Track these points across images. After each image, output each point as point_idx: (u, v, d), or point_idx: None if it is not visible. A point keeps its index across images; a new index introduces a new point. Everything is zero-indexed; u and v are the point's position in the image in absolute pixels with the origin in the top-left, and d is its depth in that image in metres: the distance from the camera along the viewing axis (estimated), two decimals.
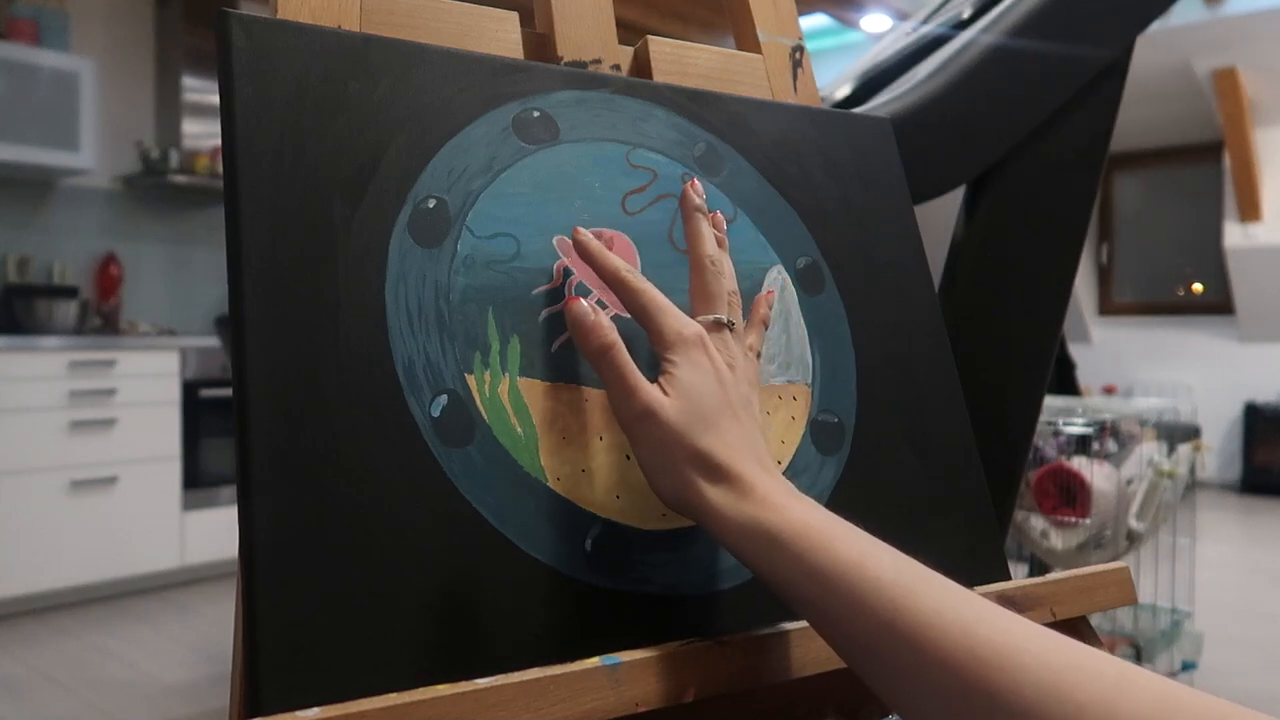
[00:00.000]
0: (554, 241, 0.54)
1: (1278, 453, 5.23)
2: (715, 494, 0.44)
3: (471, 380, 0.49)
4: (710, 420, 0.46)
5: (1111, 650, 2.18)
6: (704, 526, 0.46)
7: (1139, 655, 2.21)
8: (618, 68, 0.65)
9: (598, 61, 0.64)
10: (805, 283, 0.63)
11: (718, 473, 0.45)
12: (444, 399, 0.48)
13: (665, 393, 0.46)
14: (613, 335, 0.47)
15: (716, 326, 0.50)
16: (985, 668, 0.36)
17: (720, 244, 0.54)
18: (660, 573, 0.51)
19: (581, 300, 0.48)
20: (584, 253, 0.51)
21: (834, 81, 1.44)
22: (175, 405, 3.45)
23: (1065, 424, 2.14)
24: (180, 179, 3.84)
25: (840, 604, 0.40)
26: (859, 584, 0.40)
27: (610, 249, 0.55)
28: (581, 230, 0.52)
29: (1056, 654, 0.36)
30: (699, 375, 0.47)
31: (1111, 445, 2.22)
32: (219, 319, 4.05)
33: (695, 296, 0.52)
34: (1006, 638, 0.37)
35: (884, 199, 0.69)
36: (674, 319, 0.48)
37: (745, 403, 0.48)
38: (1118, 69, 1.05)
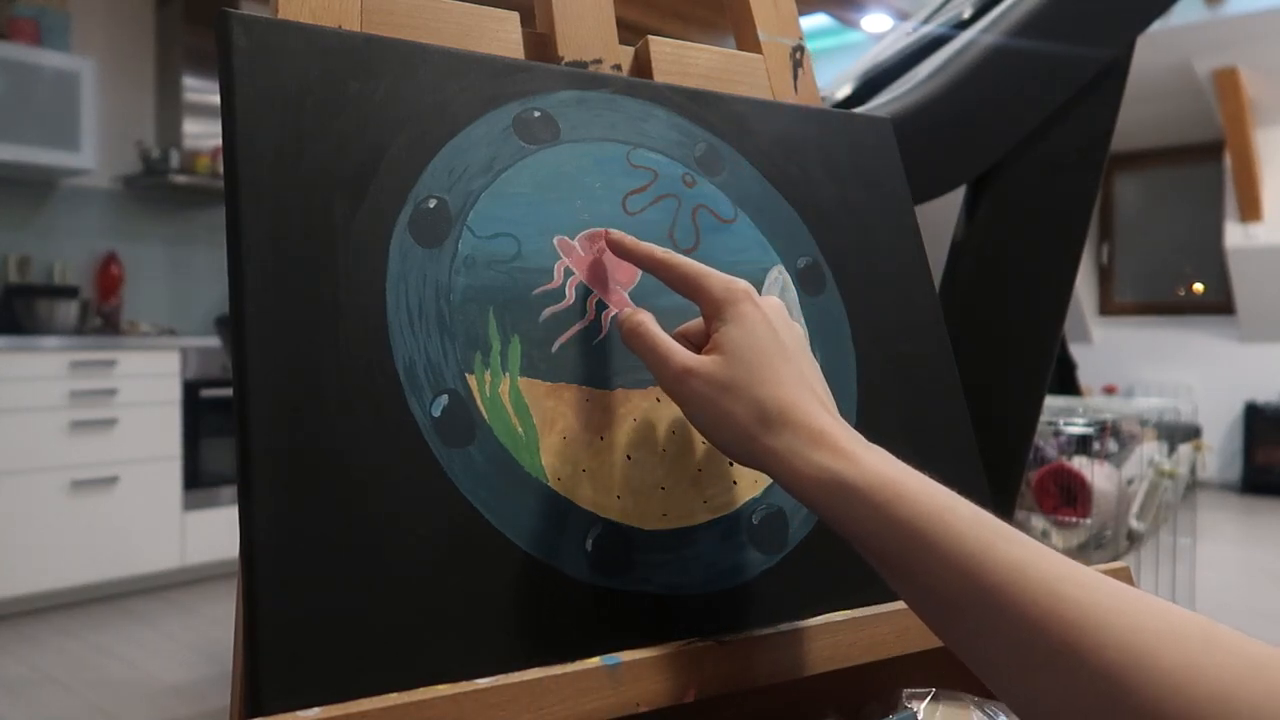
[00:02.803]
0: (555, 241, 0.54)
1: (1278, 453, 5.23)
2: (780, 442, 0.43)
3: (472, 380, 0.49)
4: (766, 368, 0.45)
5: None
6: (773, 476, 0.44)
7: None
8: (618, 68, 0.65)
9: (598, 61, 0.64)
10: (806, 283, 0.63)
11: (780, 419, 0.44)
12: (445, 399, 0.48)
13: (711, 355, 0.46)
14: (641, 315, 0.49)
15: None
16: (1068, 627, 0.35)
17: None
18: (661, 573, 0.51)
19: (624, 305, 0.52)
20: (620, 249, 0.53)
21: (834, 81, 1.44)
22: (176, 405, 3.45)
23: (1066, 424, 2.14)
24: (181, 179, 3.84)
25: (919, 558, 0.39)
26: (938, 537, 0.39)
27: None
28: (613, 230, 0.54)
29: (1142, 615, 0.35)
30: (750, 327, 0.46)
31: (1112, 445, 2.22)
32: (219, 319, 4.05)
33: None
34: (1091, 595, 0.36)
35: (884, 199, 0.69)
36: (719, 279, 0.48)
37: (801, 346, 0.48)
38: (1118, 69, 1.05)
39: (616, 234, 0.53)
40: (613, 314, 0.55)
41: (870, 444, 0.44)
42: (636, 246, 0.52)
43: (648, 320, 0.49)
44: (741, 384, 0.45)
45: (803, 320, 0.62)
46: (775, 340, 0.46)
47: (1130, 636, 0.34)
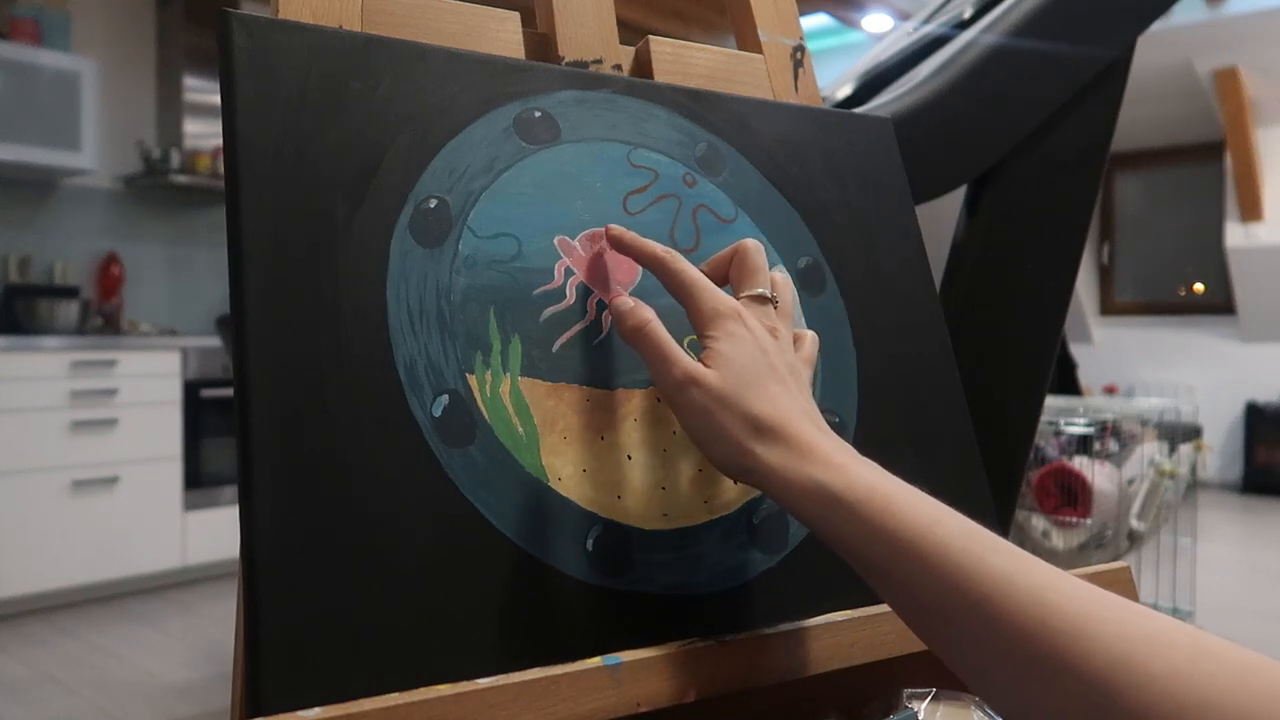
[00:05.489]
0: (555, 242, 0.54)
1: (1279, 453, 5.23)
2: (772, 455, 0.44)
3: (473, 380, 0.49)
4: (756, 385, 0.46)
5: None
6: (764, 490, 0.45)
7: None
8: (619, 68, 0.65)
9: (599, 61, 0.64)
10: (806, 283, 0.63)
11: (771, 434, 0.44)
12: (445, 399, 0.48)
13: (708, 364, 0.46)
14: (646, 313, 0.49)
15: (759, 300, 0.51)
16: (1056, 636, 0.35)
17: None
18: (661, 573, 0.51)
19: (622, 295, 0.51)
20: (620, 244, 0.53)
21: (835, 81, 1.45)
22: (176, 405, 3.45)
23: (1066, 424, 2.14)
24: (181, 179, 3.84)
25: (908, 569, 0.40)
26: (927, 548, 0.39)
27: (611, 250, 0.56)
28: (613, 225, 0.54)
29: (1129, 623, 0.35)
30: (739, 346, 0.47)
31: (1113, 445, 2.22)
32: (220, 319, 4.05)
33: (736, 274, 0.53)
34: (1077, 605, 0.36)
35: (885, 199, 0.69)
36: (711, 295, 0.49)
37: (791, 369, 0.48)
38: (1119, 69, 1.05)
39: (617, 229, 0.53)
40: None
41: (860, 456, 0.44)
42: (636, 241, 0.52)
43: (653, 320, 0.48)
44: (735, 398, 0.45)
45: (803, 320, 0.62)
46: (764, 360, 0.47)
47: (1118, 644, 0.35)
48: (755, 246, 0.53)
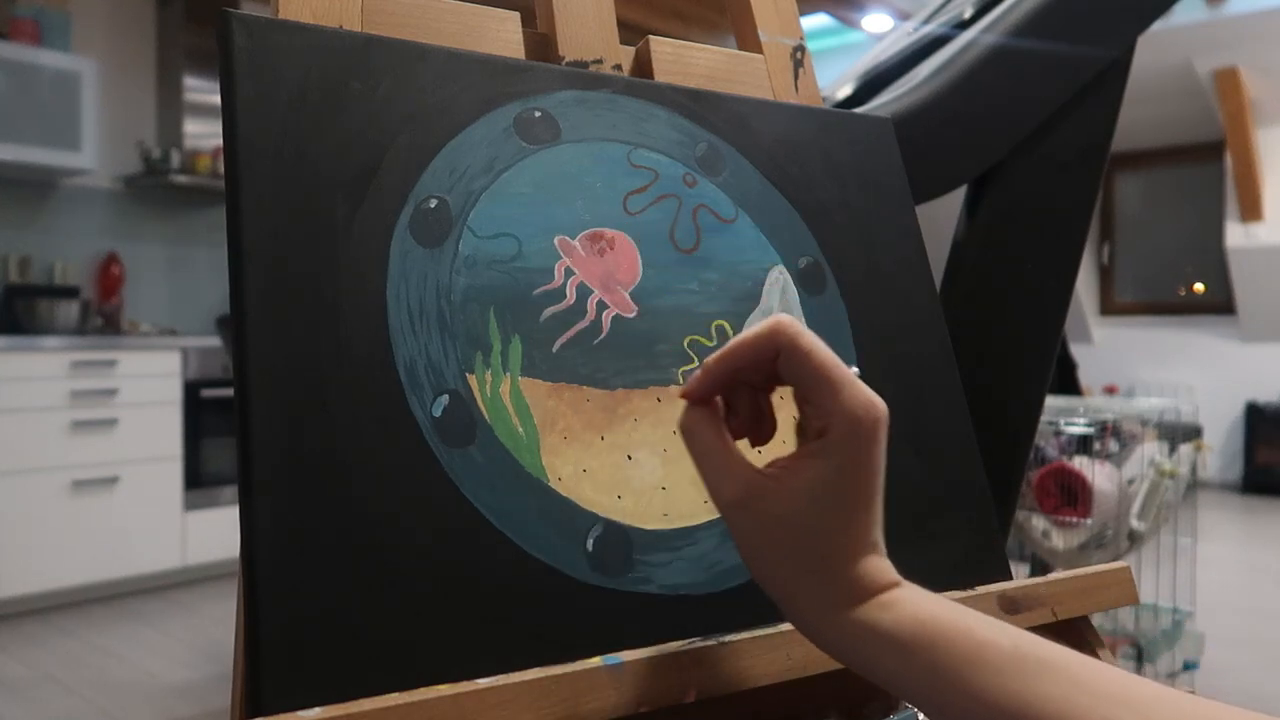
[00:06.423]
0: (555, 242, 0.54)
1: (1279, 453, 5.23)
2: (822, 600, 0.39)
3: (473, 380, 0.49)
4: (848, 522, 0.39)
5: (1113, 650, 2.18)
6: (794, 624, 0.41)
7: (1140, 655, 2.21)
8: (619, 68, 0.65)
9: (599, 61, 0.64)
10: (806, 283, 0.63)
11: (832, 581, 0.39)
12: (445, 399, 0.48)
13: (794, 481, 0.39)
14: (697, 411, 0.41)
15: None
16: None
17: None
18: (661, 573, 0.51)
19: (687, 387, 0.42)
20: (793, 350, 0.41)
21: (835, 81, 1.44)
22: (176, 405, 3.45)
23: (1067, 424, 2.14)
24: (181, 179, 3.84)
25: (955, 700, 0.37)
26: (976, 678, 0.36)
27: (611, 249, 0.55)
28: (787, 323, 0.40)
29: None
30: (870, 473, 0.40)
31: (1113, 445, 2.22)
32: (220, 319, 4.05)
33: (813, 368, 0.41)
34: None
35: (885, 199, 0.69)
36: (864, 393, 0.39)
37: (881, 488, 0.41)
38: (1119, 69, 1.05)
39: (801, 337, 0.40)
40: (613, 314, 0.55)
41: (900, 579, 0.40)
42: (811, 345, 0.40)
43: (706, 419, 0.41)
44: (803, 532, 0.39)
45: (803, 320, 0.62)
46: (873, 484, 0.40)
47: None
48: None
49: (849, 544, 0.39)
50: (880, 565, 0.40)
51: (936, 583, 0.59)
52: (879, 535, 0.41)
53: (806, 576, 0.40)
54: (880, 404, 0.40)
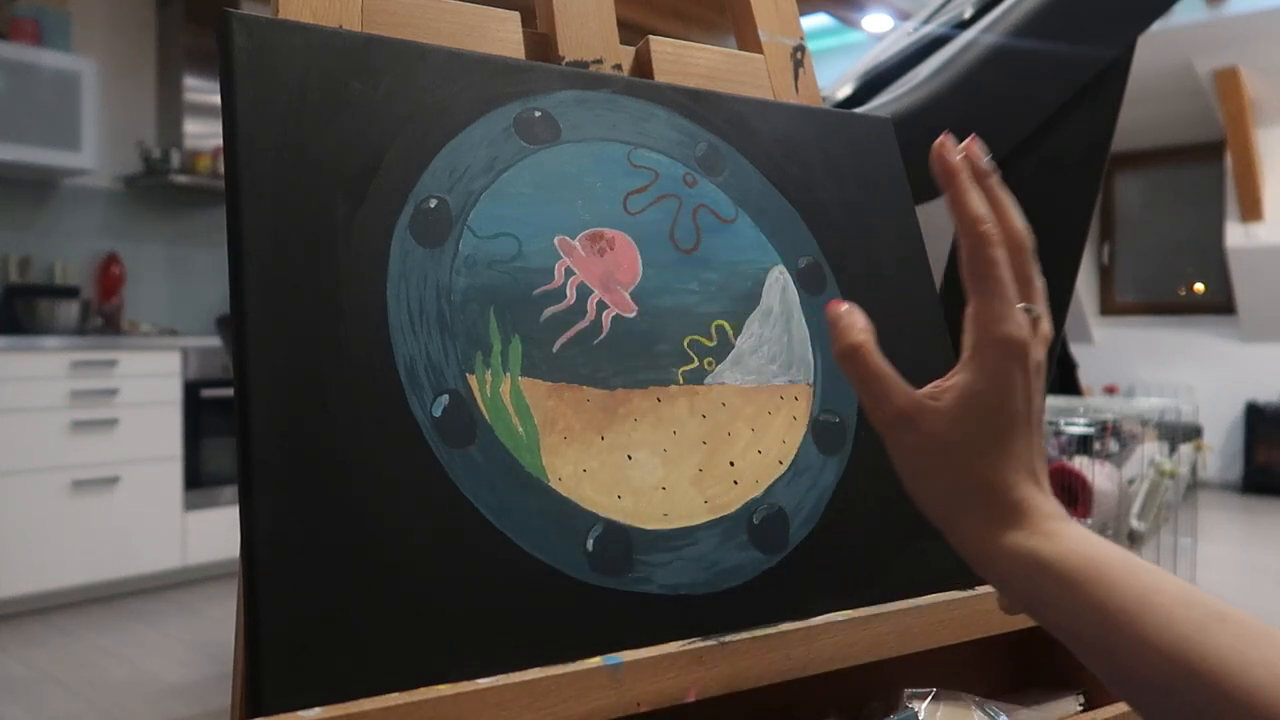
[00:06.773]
0: (555, 241, 0.54)
1: (1279, 453, 5.23)
2: (983, 523, 0.40)
3: (473, 380, 0.49)
4: (997, 442, 0.40)
5: None
6: (960, 552, 0.41)
7: None
8: (619, 68, 0.65)
9: (599, 61, 0.64)
10: (807, 282, 0.63)
11: (992, 504, 0.39)
12: (445, 399, 0.48)
13: (944, 399, 0.40)
14: (860, 335, 0.41)
15: (1030, 321, 0.42)
16: None
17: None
18: (661, 573, 0.51)
19: (841, 301, 0.43)
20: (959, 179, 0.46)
21: (835, 81, 1.44)
22: (177, 405, 3.45)
23: (1067, 424, 2.14)
24: (182, 179, 3.84)
25: (1122, 642, 0.36)
26: (1146, 621, 0.36)
27: (611, 249, 0.55)
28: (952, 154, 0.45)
29: None
30: (1004, 393, 0.40)
31: (1113, 445, 2.22)
32: (220, 319, 4.05)
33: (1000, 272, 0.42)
34: None
35: (885, 199, 0.69)
36: (1010, 309, 0.40)
37: (1039, 414, 0.42)
38: (1119, 69, 1.05)
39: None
40: (613, 314, 0.55)
41: (1071, 520, 0.40)
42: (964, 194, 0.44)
43: (870, 342, 0.41)
44: (972, 454, 0.40)
45: (804, 320, 0.62)
46: (1025, 411, 0.40)
47: None
48: (1020, 242, 0.43)
49: (1006, 468, 0.40)
50: (1042, 497, 0.40)
51: (937, 583, 0.59)
52: (1040, 468, 0.41)
53: (967, 496, 0.40)
54: (1021, 327, 0.40)
